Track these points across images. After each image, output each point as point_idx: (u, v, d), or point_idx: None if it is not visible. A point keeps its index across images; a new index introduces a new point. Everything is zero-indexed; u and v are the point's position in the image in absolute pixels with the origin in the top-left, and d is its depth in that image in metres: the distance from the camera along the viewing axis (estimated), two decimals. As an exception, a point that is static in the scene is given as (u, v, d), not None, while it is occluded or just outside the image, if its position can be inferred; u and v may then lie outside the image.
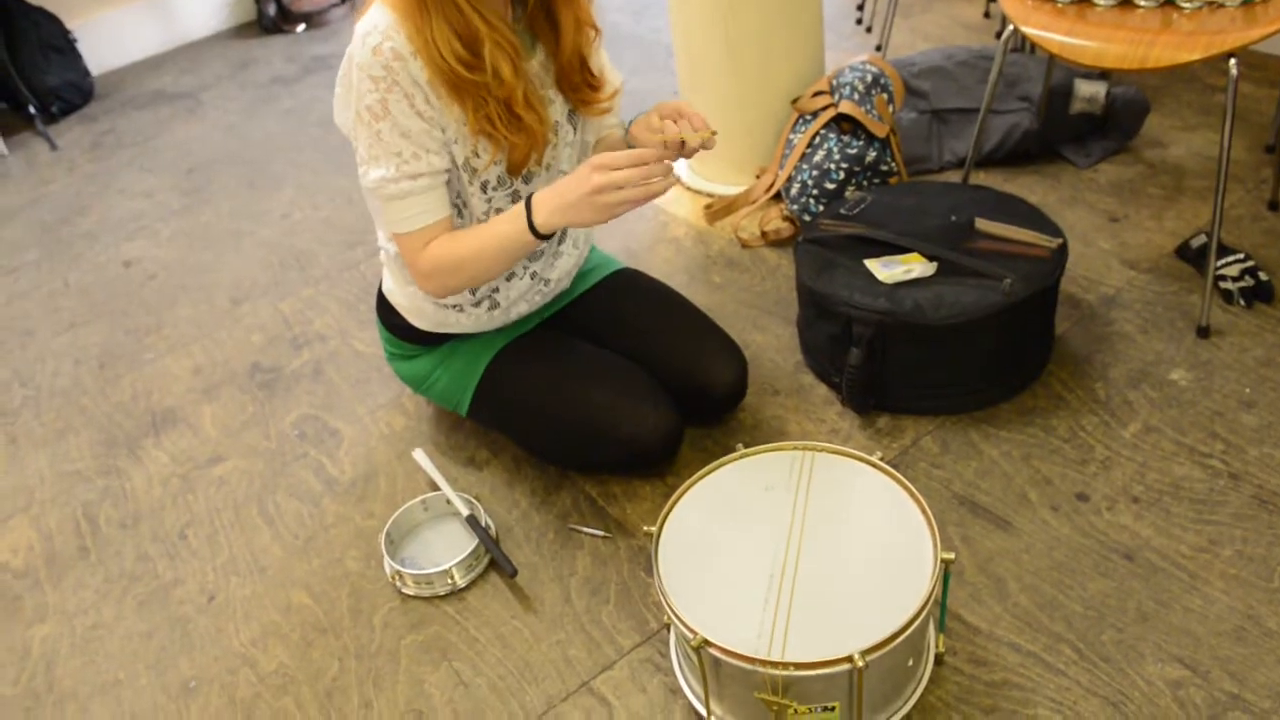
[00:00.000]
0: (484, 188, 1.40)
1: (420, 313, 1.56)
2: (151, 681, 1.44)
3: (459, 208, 1.43)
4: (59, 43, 3.41)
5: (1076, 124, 2.25)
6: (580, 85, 1.43)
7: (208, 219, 2.71)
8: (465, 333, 1.60)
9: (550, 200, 1.30)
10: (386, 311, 1.62)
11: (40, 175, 3.10)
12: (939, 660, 1.25)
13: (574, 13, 1.37)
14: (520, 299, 1.58)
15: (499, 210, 1.43)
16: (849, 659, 1.03)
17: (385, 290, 1.61)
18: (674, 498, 1.25)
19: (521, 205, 1.33)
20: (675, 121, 1.33)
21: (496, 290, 1.54)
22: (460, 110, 1.30)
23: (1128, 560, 1.37)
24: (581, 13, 1.38)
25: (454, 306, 1.54)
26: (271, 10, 3.85)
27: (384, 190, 1.33)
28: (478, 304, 1.55)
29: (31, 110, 3.30)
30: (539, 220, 1.31)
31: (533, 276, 1.57)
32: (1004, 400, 1.66)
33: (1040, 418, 1.62)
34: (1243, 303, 1.79)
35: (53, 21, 3.42)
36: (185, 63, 3.78)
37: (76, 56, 3.48)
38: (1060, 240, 1.65)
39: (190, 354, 2.17)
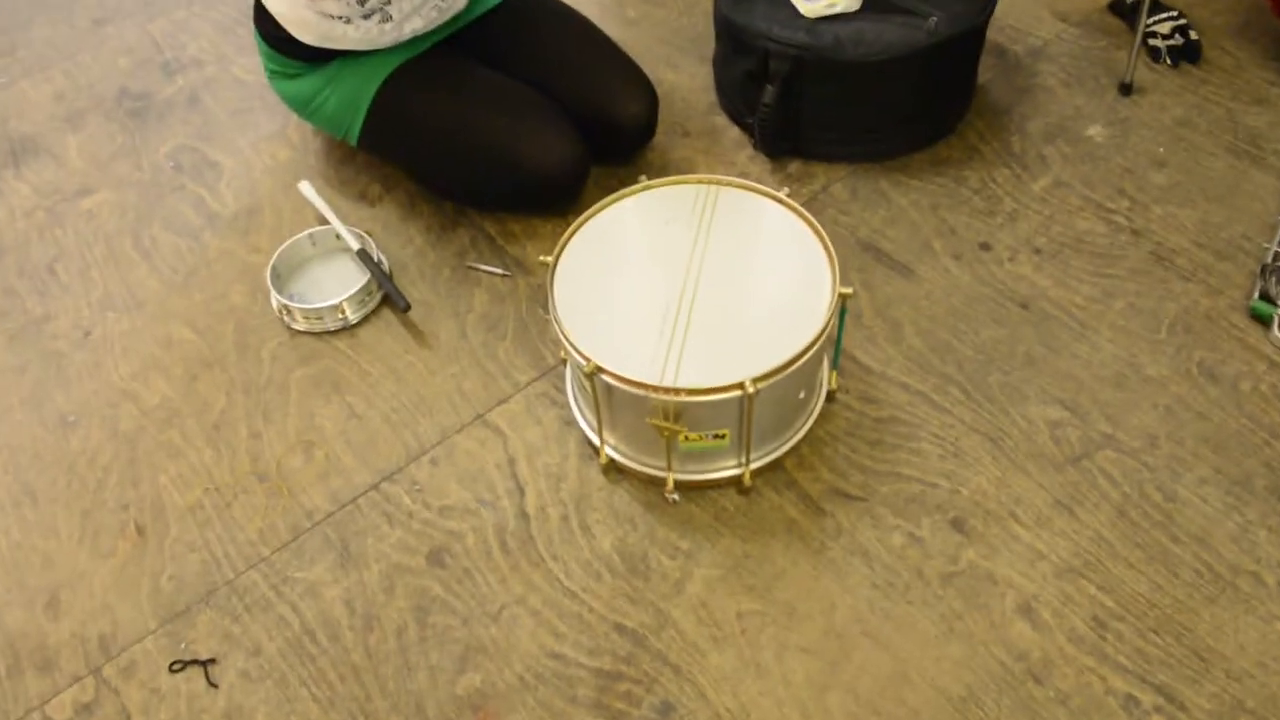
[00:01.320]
0: None
1: (303, 23, 1.41)
2: (27, 416, 1.38)
3: None
4: None
5: None
6: None
7: (63, -73, 2.39)
8: (354, 49, 1.46)
9: None
10: (265, 22, 1.46)
11: None
12: (830, 397, 1.27)
13: None
14: (414, 13, 1.43)
15: None
16: (739, 385, 1.02)
17: None
18: (573, 227, 1.20)
19: None
20: None
21: (389, 2, 1.40)
22: None
23: (1023, 309, 1.38)
24: None
25: (340, 18, 1.40)
26: None
27: None
28: (367, 16, 1.40)
29: None
30: None
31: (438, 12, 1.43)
32: (919, 150, 1.62)
33: (953, 168, 1.59)
34: (1169, 61, 1.75)
35: None
36: None
37: None
38: (993, -21, 1.56)
39: (50, 78, 1.96)
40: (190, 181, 1.70)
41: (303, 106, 1.55)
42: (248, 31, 2.00)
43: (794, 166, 1.60)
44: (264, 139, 1.76)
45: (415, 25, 1.45)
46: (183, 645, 1.13)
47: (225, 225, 1.61)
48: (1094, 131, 1.64)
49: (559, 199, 1.48)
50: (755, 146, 1.62)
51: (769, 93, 1.52)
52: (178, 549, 1.21)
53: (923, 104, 1.57)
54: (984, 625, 1.08)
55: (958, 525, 1.16)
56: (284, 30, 1.43)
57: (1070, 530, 1.15)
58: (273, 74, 1.55)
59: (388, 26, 1.42)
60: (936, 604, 1.09)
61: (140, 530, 1.23)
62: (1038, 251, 1.46)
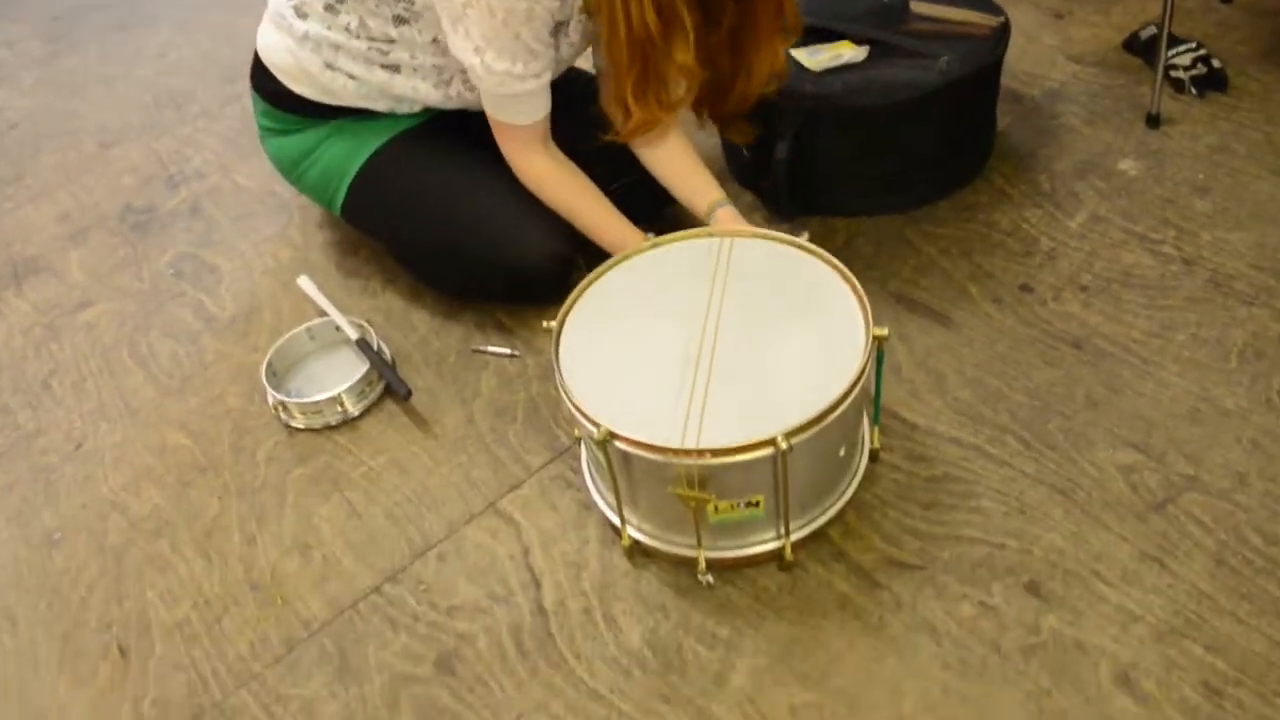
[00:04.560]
0: None
1: (304, 76, 1.36)
2: (12, 535, 1.29)
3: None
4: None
5: (1020, -88, 2.06)
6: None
7: (75, 65, 2.44)
8: (354, 105, 1.39)
9: None
10: (262, 76, 1.41)
11: (-119, 22, 2.76)
12: (874, 457, 1.15)
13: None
14: (424, 99, 1.39)
15: None
16: (771, 442, 0.91)
17: (262, 48, 1.39)
18: (578, 289, 1.11)
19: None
20: None
21: (398, 70, 1.34)
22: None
23: (1076, 349, 1.27)
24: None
25: (348, 75, 1.35)
26: None
27: (505, 87, 1.21)
28: (370, 67, 1.35)
29: None
30: None
31: (456, 96, 1.38)
32: (942, 198, 1.53)
33: (981, 213, 1.50)
34: (1194, 91, 1.67)
35: None
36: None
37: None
38: (1001, 18, 1.50)
39: (55, 201, 1.95)
40: (190, 288, 1.65)
41: (291, 167, 1.48)
42: (250, 141, 1.99)
43: (813, 225, 1.52)
44: (265, 241, 1.71)
45: (415, 108, 1.39)
46: (166, 781, 1.00)
47: (223, 328, 1.55)
48: (1126, 165, 1.55)
49: (541, 293, 1.36)
50: (770, 208, 1.54)
51: (781, 148, 1.45)
52: (162, 669, 1.10)
53: (942, 149, 1.49)
54: (1079, 702, 0.93)
55: (1034, 589, 1.02)
56: (283, 84, 1.38)
57: (1164, 585, 1.00)
58: (267, 131, 1.49)
59: (396, 79, 1.36)
60: (1020, 680, 0.95)
61: (123, 651, 1.12)
62: (1084, 289, 1.35)
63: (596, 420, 0.95)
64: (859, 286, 1.05)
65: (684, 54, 1.17)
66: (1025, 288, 1.36)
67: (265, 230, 1.73)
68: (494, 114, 1.28)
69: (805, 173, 1.47)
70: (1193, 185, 1.50)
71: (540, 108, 1.27)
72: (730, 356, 1.01)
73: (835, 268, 1.08)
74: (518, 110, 1.26)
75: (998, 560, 1.05)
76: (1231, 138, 1.58)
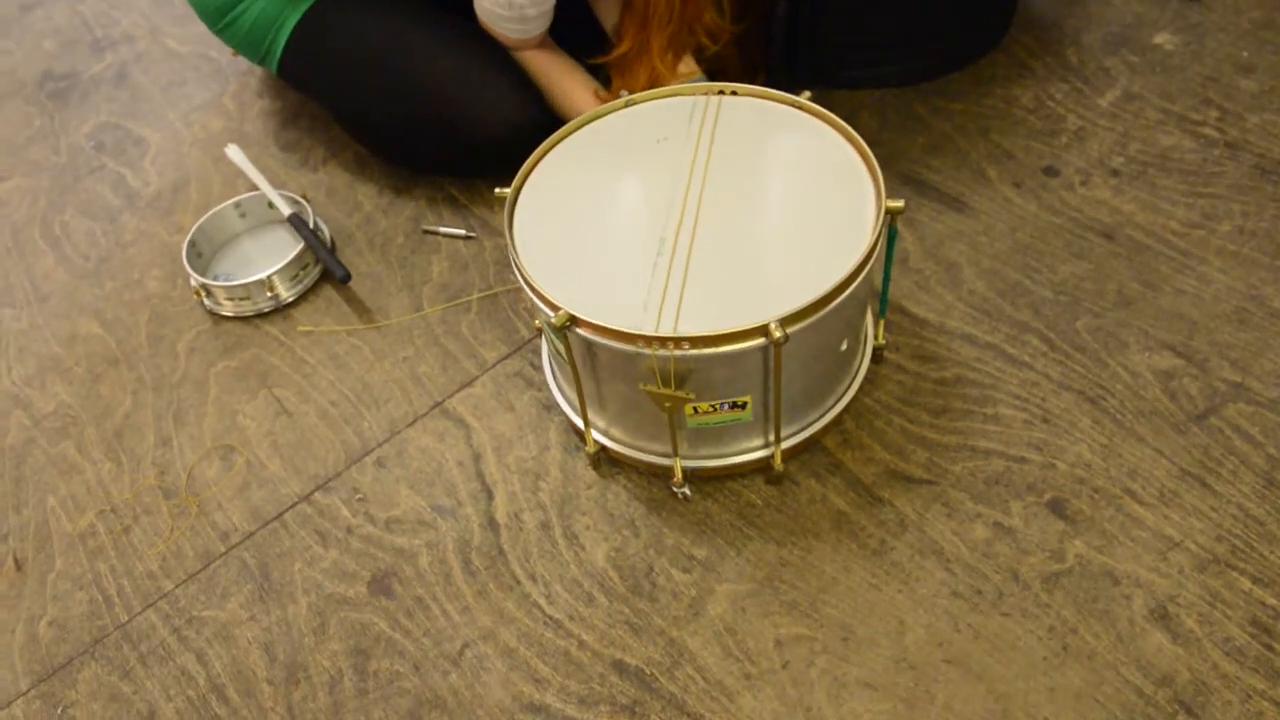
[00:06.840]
0: None
1: None
2: (-96, 435, 1.13)
3: None
4: None
5: None
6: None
7: (-8, -85, 2.18)
8: None
9: None
10: None
11: None
12: (877, 356, 1.00)
13: None
14: None
15: None
16: (762, 330, 0.76)
17: None
18: (538, 152, 0.94)
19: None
20: None
21: None
22: None
23: (1106, 239, 1.12)
24: None
25: None
26: None
27: (520, 11, 1.12)
28: None
29: None
30: None
31: None
32: (956, 70, 1.36)
33: (1000, 87, 1.33)
34: (1239, -39, 1.49)
35: None
36: None
37: None
38: None
39: (-33, 66, 1.74)
40: (111, 161, 1.47)
41: (218, 15, 1.28)
42: (182, 2, 1.78)
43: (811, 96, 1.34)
44: (196, 110, 1.52)
45: None
46: (59, 710, 0.87)
47: (146, 205, 1.37)
48: (1162, 39, 1.38)
49: (505, 162, 1.15)
50: (767, 79, 1.36)
51: (782, 5, 1.27)
52: (62, 587, 0.96)
53: (957, 13, 1.31)
54: (1108, 640, 0.80)
55: (1058, 509, 0.89)
56: None
57: (1206, 507, 0.88)
58: None
59: None
60: (1041, 615, 0.82)
61: (19, 565, 0.98)
62: (1115, 173, 1.19)
63: (555, 302, 0.79)
64: (869, 152, 0.89)
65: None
66: (1050, 170, 1.21)
67: (197, 99, 1.55)
68: (487, 24, 1.17)
69: (805, 38, 1.30)
70: (1236, 63, 1.33)
71: (540, 25, 1.15)
72: (715, 230, 0.85)
73: (841, 130, 0.92)
74: (517, 30, 1.15)
75: (1017, 475, 0.91)
76: (1277, 13, 1.41)
